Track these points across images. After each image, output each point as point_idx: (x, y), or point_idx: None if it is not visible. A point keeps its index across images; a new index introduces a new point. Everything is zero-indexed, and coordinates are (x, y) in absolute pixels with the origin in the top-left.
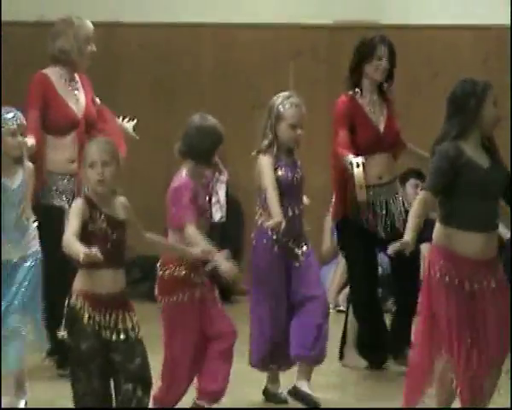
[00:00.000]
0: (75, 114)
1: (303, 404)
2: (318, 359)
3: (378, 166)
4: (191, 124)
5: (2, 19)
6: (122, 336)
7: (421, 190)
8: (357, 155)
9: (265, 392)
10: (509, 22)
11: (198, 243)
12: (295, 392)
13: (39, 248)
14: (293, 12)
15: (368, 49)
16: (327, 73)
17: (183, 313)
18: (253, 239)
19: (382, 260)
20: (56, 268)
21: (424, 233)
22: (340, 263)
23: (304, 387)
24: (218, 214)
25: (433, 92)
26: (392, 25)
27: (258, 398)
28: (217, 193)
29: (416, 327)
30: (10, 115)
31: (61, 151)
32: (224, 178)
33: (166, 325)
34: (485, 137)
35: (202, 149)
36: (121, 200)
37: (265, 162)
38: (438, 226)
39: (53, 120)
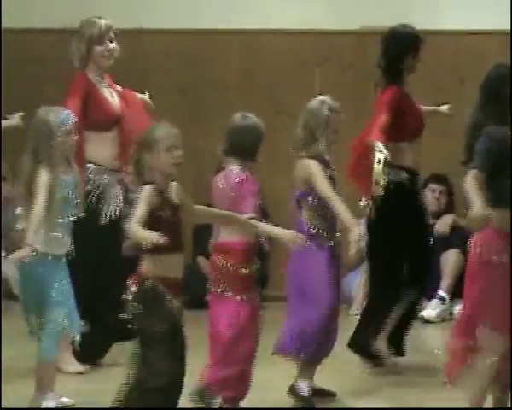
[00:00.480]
0: (116, 110)
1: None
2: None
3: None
4: (234, 123)
5: (27, 26)
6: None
7: (470, 169)
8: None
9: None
10: None
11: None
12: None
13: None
14: (318, 18)
15: (409, 45)
16: (353, 79)
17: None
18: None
19: None
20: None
21: (451, 240)
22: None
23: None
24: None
25: (459, 99)
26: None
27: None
28: None
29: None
30: (65, 115)
31: (105, 147)
32: None
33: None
34: None
35: (247, 147)
36: (174, 184)
37: (317, 168)
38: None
39: (95, 117)
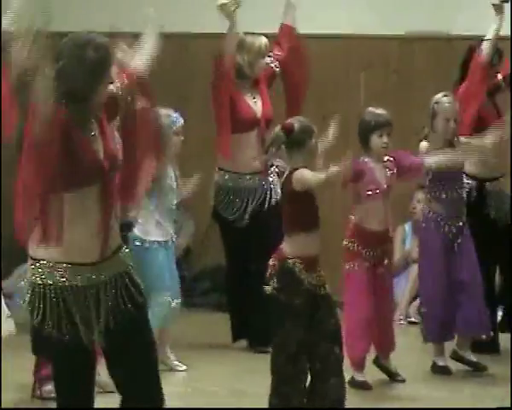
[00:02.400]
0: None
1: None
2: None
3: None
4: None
5: (78, 28)
6: (323, 291)
7: None
8: None
9: (434, 366)
10: None
11: None
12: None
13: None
14: (363, 23)
15: (468, 52)
16: (398, 84)
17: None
18: (423, 223)
19: None
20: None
21: None
22: (411, 274)
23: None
24: None
25: (507, 103)
26: (463, 36)
27: None
28: None
29: None
30: (174, 117)
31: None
32: None
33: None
34: None
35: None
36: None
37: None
38: None
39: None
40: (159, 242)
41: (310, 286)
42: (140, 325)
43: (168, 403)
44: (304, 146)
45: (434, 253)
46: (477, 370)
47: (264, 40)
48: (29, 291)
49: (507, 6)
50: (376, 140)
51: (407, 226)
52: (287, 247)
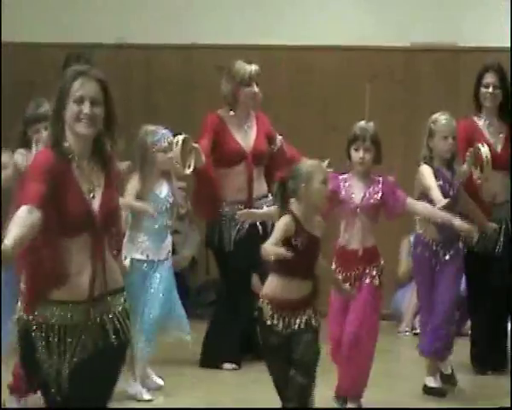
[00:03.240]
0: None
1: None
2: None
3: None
4: None
5: (85, 41)
6: (299, 328)
7: None
8: None
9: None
10: None
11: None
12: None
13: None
14: (369, 34)
15: (477, 76)
16: (403, 96)
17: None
18: (415, 242)
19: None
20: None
21: None
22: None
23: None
24: None
25: None
26: (470, 47)
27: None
28: None
29: None
30: (161, 134)
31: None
32: None
33: None
34: None
35: None
36: (318, 218)
37: (425, 169)
38: None
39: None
40: (142, 261)
41: (276, 328)
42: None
43: None
44: (296, 193)
45: (424, 273)
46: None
47: (249, 69)
48: (17, 326)
49: (507, 14)
50: (353, 154)
51: (412, 238)
52: (265, 285)
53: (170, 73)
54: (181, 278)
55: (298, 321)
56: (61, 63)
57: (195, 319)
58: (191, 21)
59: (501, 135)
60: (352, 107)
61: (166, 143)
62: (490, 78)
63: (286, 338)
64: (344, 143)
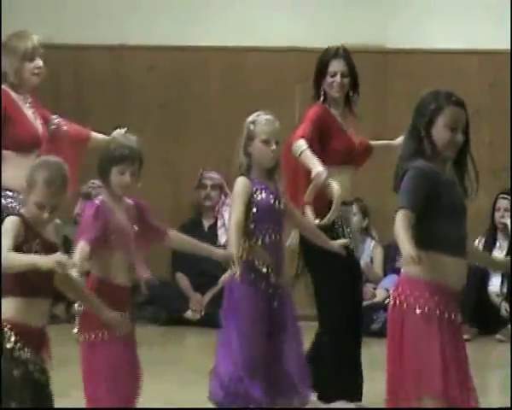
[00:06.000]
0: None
1: None
2: None
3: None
4: None
5: None
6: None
7: (398, 209)
8: None
9: None
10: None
11: None
12: None
13: None
14: (300, 36)
15: (320, 66)
16: None
17: None
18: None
19: None
20: None
21: None
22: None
23: None
24: (223, 238)
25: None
26: (399, 49)
27: None
28: (222, 216)
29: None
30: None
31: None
32: (229, 201)
33: None
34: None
35: None
36: (57, 222)
37: (241, 182)
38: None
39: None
40: None
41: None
42: None
43: None
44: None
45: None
46: None
47: (30, 42)
48: None
49: (507, 14)
50: (117, 176)
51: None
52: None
53: (99, 74)
54: None
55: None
56: None
57: None
58: (120, 21)
59: (350, 128)
60: (282, 108)
61: None
62: (337, 66)
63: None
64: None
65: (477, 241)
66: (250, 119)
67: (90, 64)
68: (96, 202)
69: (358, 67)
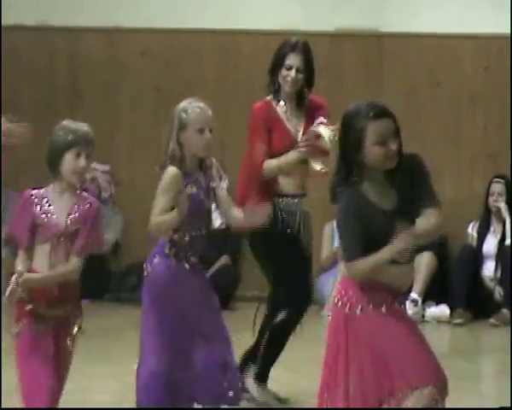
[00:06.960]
0: None
1: None
2: None
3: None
4: None
5: (4, 23)
6: None
7: (347, 261)
8: None
9: None
10: (509, 31)
11: None
12: None
13: None
14: (294, 19)
15: (277, 57)
16: (327, 81)
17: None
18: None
19: None
20: None
21: None
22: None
23: None
24: (218, 221)
25: (435, 101)
26: (393, 33)
27: None
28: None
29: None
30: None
31: None
32: (224, 184)
33: None
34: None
35: None
36: None
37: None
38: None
39: None
40: None
41: None
42: None
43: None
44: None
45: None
46: None
47: None
48: None
49: (507, 6)
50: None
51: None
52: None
53: (93, 57)
54: (103, 262)
55: None
56: None
57: (118, 302)
58: (114, 4)
59: (301, 123)
60: None
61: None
62: (294, 59)
63: None
64: None
65: (471, 225)
66: (181, 107)
67: (85, 47)
68: (28, 192)
69: (352, 51)
